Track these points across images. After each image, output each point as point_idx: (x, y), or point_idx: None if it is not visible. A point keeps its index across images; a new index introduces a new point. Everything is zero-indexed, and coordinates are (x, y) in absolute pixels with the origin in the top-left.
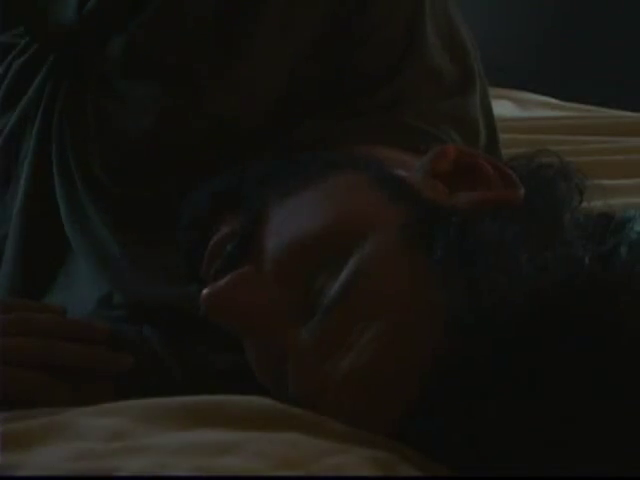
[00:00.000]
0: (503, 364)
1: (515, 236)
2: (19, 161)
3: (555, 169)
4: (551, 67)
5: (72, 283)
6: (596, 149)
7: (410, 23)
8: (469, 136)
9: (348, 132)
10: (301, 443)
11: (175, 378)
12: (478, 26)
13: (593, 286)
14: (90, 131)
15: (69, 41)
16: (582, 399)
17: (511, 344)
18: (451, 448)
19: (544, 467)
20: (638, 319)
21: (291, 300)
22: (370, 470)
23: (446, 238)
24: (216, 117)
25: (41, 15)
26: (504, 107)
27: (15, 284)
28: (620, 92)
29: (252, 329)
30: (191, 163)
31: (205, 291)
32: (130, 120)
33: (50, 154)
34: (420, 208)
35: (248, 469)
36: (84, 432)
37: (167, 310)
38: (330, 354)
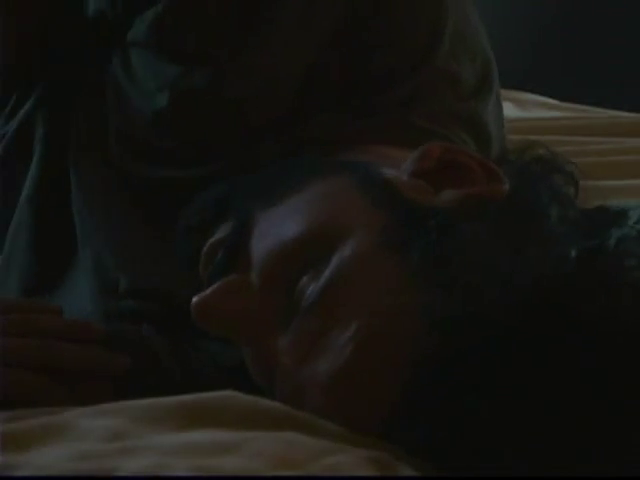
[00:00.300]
0: (483, 362)
1: (495, 234)
2: (33, 145)
3: (545, 162)
4: (549, 67)
5: (77, 283)
6: (594, 150)
7: (433, 27)
8: (481, 139)
9: (358, 130)
10: (300, 443)
11: (174, 378)
12: None
13: (572, 283)
14: (108, 107)
15: (99, 25)
16: (565, 395)
17: (487, 342)
18: (435, 447)
19: (529, 465)
20: (616, 316)
21: (276, 305)
22: (369, 470)
23: (424, 239)
24: (233, 102)
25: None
26: (503, 107)
27: (27, 275)
28: (618, 92)
29: (240, 336)
30: (201, 148)
31: (193, 300)
32: (144, 97)
33: (62, 137)
34: (401, 210)
35: (247, 469)
36: (84, 432)
37: (170, 298)
38: (308, 357)
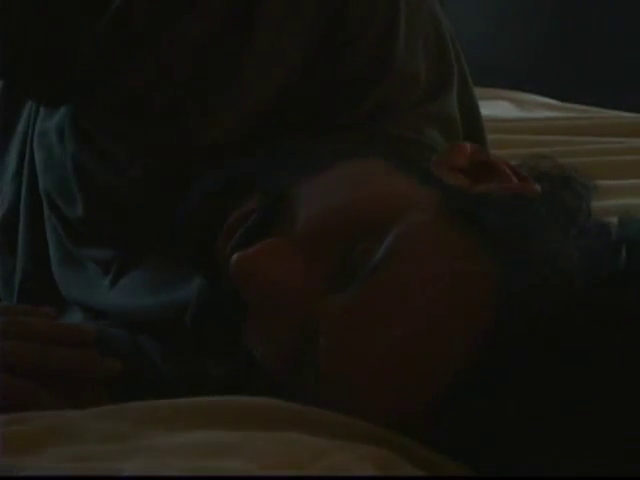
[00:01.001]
0: (556, 342)
1: (557, 222)
2: (10, 183)
3: (557, 176)
4: (550, 68)
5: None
6: (595, 150)
7: (387, 31)
8: (452, 136)
9: (329, 147)
10: (300, 443)
11: (171, 381)
12: (477, 27)
13: (627, 283)
14: (71, 186)
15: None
16: (626, 403)
17: (566, 322)
18: (487, 434)
19: (567, 468)
20: None
21: (323, 271)
22: (368, 469)
23: (495, 213)
24: (201, 147)
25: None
26: (503, 108)
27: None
28: (619, 92)
29: (281, 298)
30: (173, 190)
31: (234, 256)
32: (114, 174)
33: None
34: (452, 191)
35: (246, 470)
36: (84, 434)
37: (152, 321)
38: (370, 323)
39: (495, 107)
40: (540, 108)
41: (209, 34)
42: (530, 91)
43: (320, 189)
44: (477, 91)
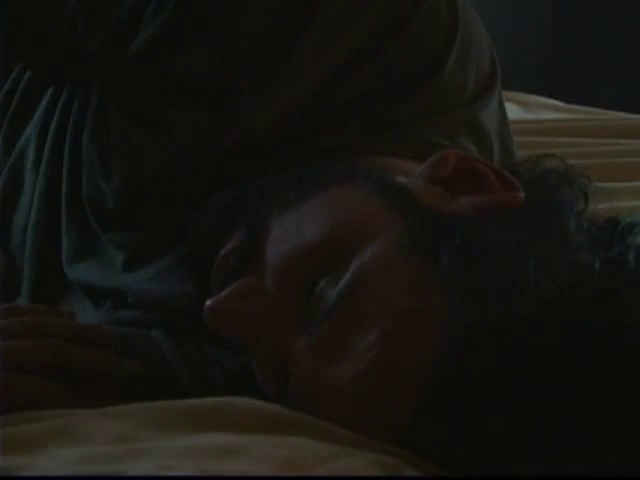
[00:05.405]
0: (508, 372)
1: (521, 242)
2: (30, 172)
3: (559, 174)
4: (556, 69)
5: (78, 295)
6: (601, 152)
7: (445, 41)
8: (481, 142)
9: (368, 143)
10: (306, 447)
11: (182, 381)
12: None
13: (602, 295)
14: (112, 155)
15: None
16: (587, 410)
17: (517, 352)
18: (454, 456)
19: (545, 474)
20: None
21: (292, 309)
22: (376, 474)
23: (450, 244)
24: (245, 130)
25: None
26: (509, 110)
27: (33, 287)
28: (625, 94)
29: (253, 339)
30: (214, 177)
31: (207, 303)
32: (159, 146)
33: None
34: (420, 215)
35: (253, 472)
36: (90, 435)
37: (172, 309)
38: (329, 360)
39: None
40: (546, 110)
41: (267, 21)
42: (536, 93)
43: (285, 227)
44: None
